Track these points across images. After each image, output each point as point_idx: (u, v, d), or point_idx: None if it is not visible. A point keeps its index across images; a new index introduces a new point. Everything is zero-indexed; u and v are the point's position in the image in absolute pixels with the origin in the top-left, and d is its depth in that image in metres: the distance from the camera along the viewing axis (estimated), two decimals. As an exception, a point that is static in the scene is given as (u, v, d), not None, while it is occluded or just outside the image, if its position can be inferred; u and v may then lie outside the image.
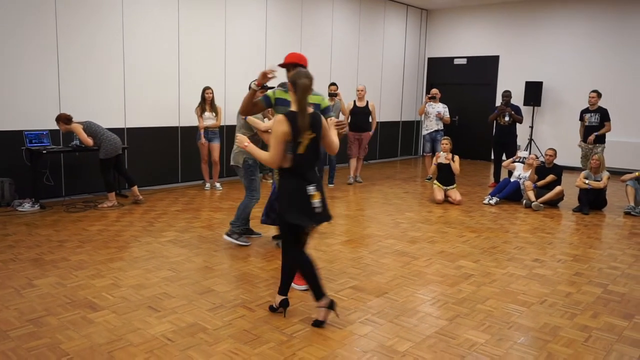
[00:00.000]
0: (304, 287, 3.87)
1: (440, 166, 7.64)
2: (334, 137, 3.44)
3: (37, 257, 4.60)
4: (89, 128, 6.46)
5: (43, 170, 6.67)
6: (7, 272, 4.19)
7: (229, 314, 3.51)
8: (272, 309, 3.54)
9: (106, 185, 6.62)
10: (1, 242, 5.00)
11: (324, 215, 3.33)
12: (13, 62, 6.37)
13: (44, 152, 6.34)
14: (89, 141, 6.42)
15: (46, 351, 2.94)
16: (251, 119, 4.65)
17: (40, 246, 4.92)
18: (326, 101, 3.86)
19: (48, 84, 6.70)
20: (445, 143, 7.66)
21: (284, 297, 3.47)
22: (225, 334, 3.21)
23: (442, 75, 13.31)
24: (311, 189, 3.24)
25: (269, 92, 3.86)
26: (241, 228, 5.06)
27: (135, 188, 6.89)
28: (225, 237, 5.07)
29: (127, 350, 2.97)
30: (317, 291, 3.32)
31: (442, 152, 7.69)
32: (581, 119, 8.53)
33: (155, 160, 8.00)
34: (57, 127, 6.64)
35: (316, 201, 3.25)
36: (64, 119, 6.34)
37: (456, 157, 7.63)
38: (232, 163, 5.01)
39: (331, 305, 3.33)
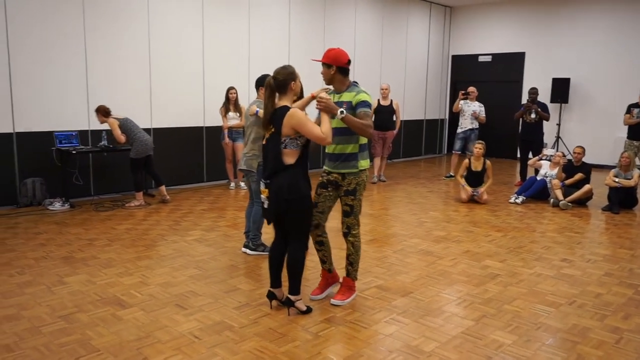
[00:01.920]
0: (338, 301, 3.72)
1: (470, 171, 7.50)
2: (311, 128, 3.24)
3: (67, 255, 4.71)
4: (125, 125, 6.57)
5: (72, 170, 6.82)
6: (39, 270, 4.30)
7: (254, 312, 3.54)
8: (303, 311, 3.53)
9: (135, 185, 6.74)
10: (33, 240, 5.13)
11: (267, 213, 3.43)
12: (43, 66, 6.52)
13: (73, 152, 6.48)
14: (122, 138, 6.53)
15: (77, 347, 3.01)
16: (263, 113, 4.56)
17: (70, 244, 5.03)
18: (360, 96, 3.48)
19: (76, 87, 6.85)
20: (479, 147, 7.43)
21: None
22: (251, 332, 3.24)
23: (466, 72, 13.16)
24: (262, 185, 3.42)
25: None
26: (258, 236, 4.84)
27: (163, 188, 6.99)
28: (251, 252, 4.81)
29: (155, 347, 3.02)
30: (271, 280, 3.57)
31: (463, 185, 7.46)
32: (628, 112, 8.21)
33: (181, 160, 8.10)
34: (85, 128, 6.81)
35: (263, 197, 3.41)
36: (102, 111, 6.49)
37: (488, 163, 7.45)
38: (243, 167, 4.70)
39: (279, 300, 3.58)
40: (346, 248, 3.72)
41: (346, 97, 3.54)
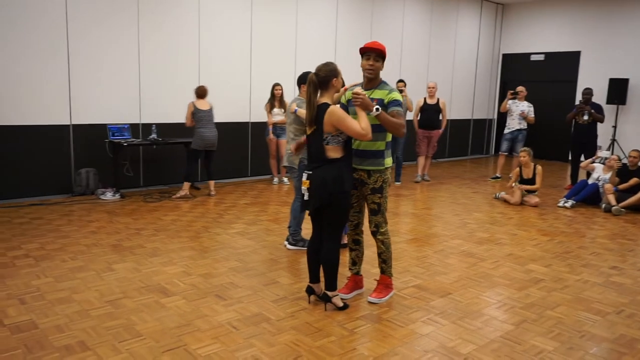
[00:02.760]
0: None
1: (522, 179, 7.32)
2: (351, 124, 3.25)
3: (116, 243, 4.91)
4: (196, 114, 6.87)
5: (123, 162, 7.09)
6: (90, 256, 4.50)
7: (291, 306, 3.59)
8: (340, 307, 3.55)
9: (185, 174, 6.98)
10: (85, 228, 5.37)
11: (307, 204, 3.45)
12: (98, 63, 6.81)
13: (125, 144, 6.73)
14: (187, 122, 6.96)
15: (122, 331, 3.14)
16: (302, 112, 4.60)
17: (119, 233, 5.24)
18: (393, 95, 3.47)
19: (129, 82, 7.11)
20: (523, 156, 7.26)
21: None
22: (288, 325, 3.29)
23: (517, 72, 12.81)
24: (304, 176, 3.43)
25: (344, 95, 3.69)
26: (298, 231, 4.90)
27: (212, 183, 7.21)
28: (290, 246, 4.89)
29: (194, 335, 3.11)
30: (310, 275, 3.62)
31: (513, 185, 7.31)
32: None
33: (227, 155, 8.27)
34: (137, 122, 7.13)
35: (304, 188, 3.42)
36: (200, 92, 6.93)
37: (538, 168, 7.25)
38: (286, 164, 4.81)
39: (317, 295, 3.61)
40: (377, 247, 3.70)
41: (377, 94, 3.50)
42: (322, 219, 3.48)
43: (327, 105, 3.33)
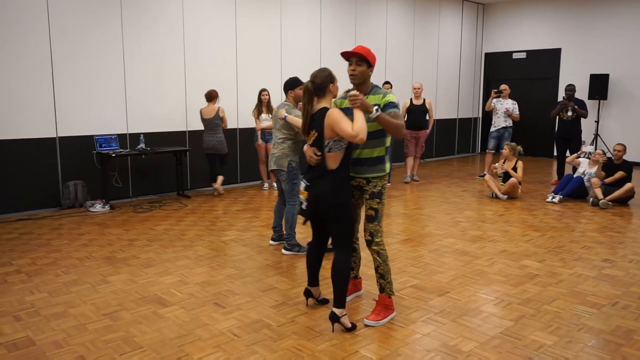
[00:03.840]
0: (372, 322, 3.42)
1: (505, 172, 7.48)
2: (343, 125, 3.10)
3: (109, 255, 4.85)
4: (204, 120, 7.41)
5: (112, 173, 7.03)
6: (83, 269, 4.45)
7: (291, 311, 3.58)
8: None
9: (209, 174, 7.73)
10: (76, 241, 5.31)
11: (305, 213, 3.42)
12: (83, 73, 6.74)
13: (113, 155, 6.66)
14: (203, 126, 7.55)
15: (122, 344, 3.11)
16: (292, 118, 4.58)
17: (111, 245, 5.18)
18: (388, 97, 3.32)
19: (115, 92, 7.05)
20: (506, 150, 7.55)
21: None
22: (289, 331, 3.28)
23: (500, 70, 12.96)
24: (302, 185, 3.37)
25: (333, 101, 3.51)
26: (293, 236, 4.87)
27: (219, 180, 7.61)
28: (285, 252, 4.86)
29: (196, 345, 3.09)
30: (309, 278, 3.63)
31: (497, 164, 7.54)
32: None
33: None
34: (124, 132, 7.04)
35: (302, 197, 3.38)
36: (206, 95, 7.37)
37: (519, 163, 7.41)
38: (273, 167, 4.75)
39: (315, 298, 3.64)
40: (372, 260, 3.44)
41: (372, 99, 3.36)
42: (322, 226, 3.45)
43: (326, 109, 3.24)
